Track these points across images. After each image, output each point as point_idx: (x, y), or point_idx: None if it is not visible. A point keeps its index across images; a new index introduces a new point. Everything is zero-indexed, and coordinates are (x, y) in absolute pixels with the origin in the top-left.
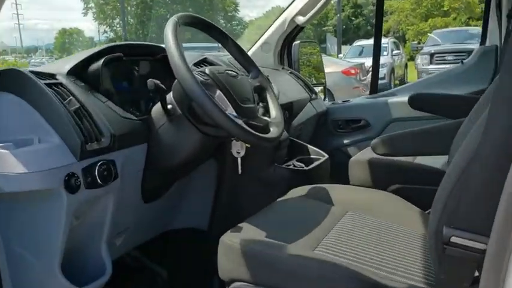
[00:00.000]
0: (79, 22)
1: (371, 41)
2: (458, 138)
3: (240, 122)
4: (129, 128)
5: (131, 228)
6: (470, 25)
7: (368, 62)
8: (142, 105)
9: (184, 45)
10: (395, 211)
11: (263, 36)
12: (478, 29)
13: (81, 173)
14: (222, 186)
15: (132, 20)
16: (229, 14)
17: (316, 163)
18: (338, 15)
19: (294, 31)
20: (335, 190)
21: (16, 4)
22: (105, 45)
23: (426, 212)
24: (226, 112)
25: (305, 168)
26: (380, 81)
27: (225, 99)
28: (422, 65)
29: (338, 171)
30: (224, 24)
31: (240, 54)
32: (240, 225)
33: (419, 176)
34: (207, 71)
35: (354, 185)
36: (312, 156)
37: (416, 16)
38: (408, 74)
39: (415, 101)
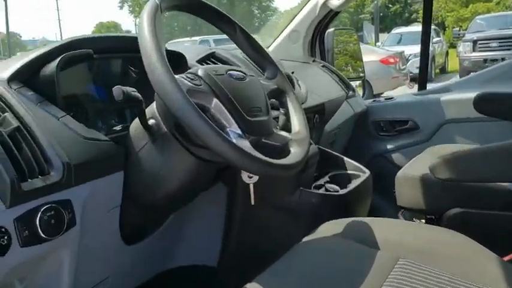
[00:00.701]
0: (116, 15)
1: (410, 28)
2: None
3: (244, 144)
4: (95, 152)
5: (112, 277)
6: None
7: (407, 50)
8: (128, 119)
9: (212, 37)
10: (464, 258)
11: (291, 23)
12: None
13: (12, 226)
14: (233, 217)
15: (167, 13)
16: (264, 3)
17: (354, 184)
18: (375, 1)
19: (327, 17)
20: (381, 226)
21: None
22: (67, 39)
23: (506, 258)
24: (228, 130)
25: (340, 192)
26: None
27: (225, 111)
28: (465, 53)
29: (381, 184)
30: (259, 15)
31: (250, 47)
32: (248, 286)
33: (487, 198)
34: (199, 72)
35: (401, 207)
36: (349, 172)
37: (456, 2)
38: (449, 62)
39: (484, 103)
